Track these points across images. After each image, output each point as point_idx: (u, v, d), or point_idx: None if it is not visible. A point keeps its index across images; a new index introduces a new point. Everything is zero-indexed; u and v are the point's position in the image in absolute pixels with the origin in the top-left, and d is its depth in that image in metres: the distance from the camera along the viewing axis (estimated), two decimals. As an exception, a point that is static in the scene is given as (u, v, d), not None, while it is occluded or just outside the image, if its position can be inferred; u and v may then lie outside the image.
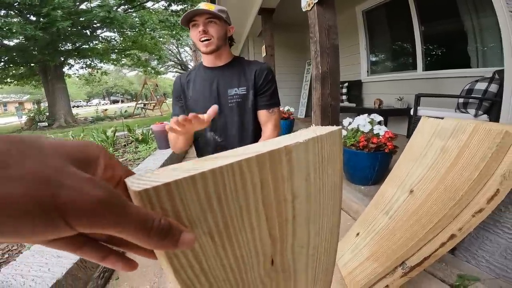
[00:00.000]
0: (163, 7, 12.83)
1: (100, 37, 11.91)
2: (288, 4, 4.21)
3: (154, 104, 15.01)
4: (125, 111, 15.03)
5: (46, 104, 12.17)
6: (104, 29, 11.46)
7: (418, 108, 2.72)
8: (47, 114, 11.55)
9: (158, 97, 15.65)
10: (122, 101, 51.21)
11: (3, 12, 9.10)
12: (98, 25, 10.63)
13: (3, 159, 0.15)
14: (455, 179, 0.90)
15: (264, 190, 0.26)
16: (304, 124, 5.34)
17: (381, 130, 1.97)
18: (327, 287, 0.43)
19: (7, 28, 7.93)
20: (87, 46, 11.48)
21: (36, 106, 12.55)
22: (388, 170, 1.61)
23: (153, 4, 13.09)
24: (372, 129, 2.02)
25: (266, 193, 0.26)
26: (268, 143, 0.27)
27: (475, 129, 0.85)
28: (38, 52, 9.87)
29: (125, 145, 4.61)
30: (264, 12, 4.54)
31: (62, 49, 10.86)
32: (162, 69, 25.69)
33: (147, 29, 11.57)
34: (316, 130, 0.31)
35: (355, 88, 4.81)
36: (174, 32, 13.30)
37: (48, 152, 0.17)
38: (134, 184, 0.19)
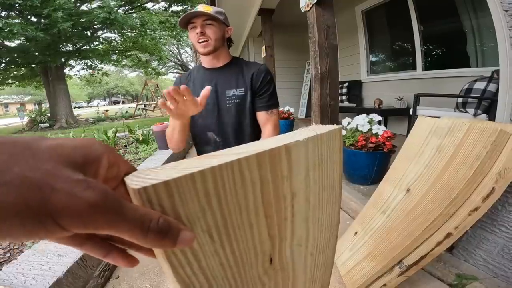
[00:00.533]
0: (163, 8, 12.85)
1: (100, 38, 11.93)
2: (288, 4, 4.22)
3: (154, 105, 15.04)
4: (126, 112, 15.07)
5: (48, 105, 12.21)
6: (105, 30, 11.48)
7: (418, 107, 2.72)
8: (49, 115, 11.58)
9: (158, 98, 15.65)
10: (123, 102, 51.28)
11: (4, 13, 9.14)
12: (98, 26, 10.65)
13: None
14: (450, 177, 0.90)
15: (264, 189, 0.25)
16: (305, 124, 5.35)
17: (379, 129, 1.98)
18: (325, 286, 0.43)
19: (8, 29, 7.94)
20: (88, 47, 11.51)
21: (37, 107, 12.58)
22: (387, 169, 1.62)
23: (154, 5, 13.10)
24: (371, 129, 2.02)
25: (266, 191, 0.26)
26: (268, 141, 0.27)
27: (470, 128, 0.86)
28: (39, 53, 9.90)
29: (126, 146, 4.63)
30: (263, 12, 4.55)
31: (63, 50, 10.89)
32: (162, 70, 25.75)
33: (148, 30, 11.59)
34: (316, 129, 0.31)
35: (355, 88, 4.81)
36: (174, 33, 13.33)
37: (42, 155, 0.16)
38: (133, 182, 0.19)
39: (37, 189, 0.15)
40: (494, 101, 2.18)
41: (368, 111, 2.22)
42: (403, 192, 1.09)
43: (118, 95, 53.17)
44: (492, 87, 2.29)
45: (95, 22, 9.77)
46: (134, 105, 19.14)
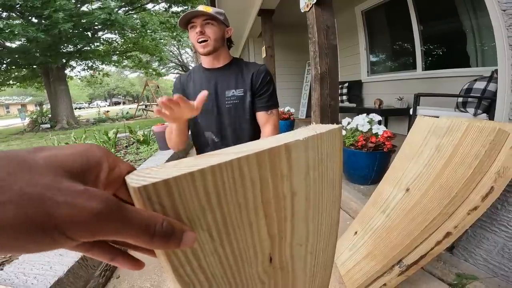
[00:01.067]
0: (164, 9, 12.88)
1: (101, 39, 11.96)
2: (288, 5, 4.22)
3: (155, 106, 15.04)
4: (127, 112, 15.11)
5: (49, 106, 12.24)
6: (105, 31, 11.51)
7: (418, 107, 2.72)
8: (50, 116, 11.60)
9: (159, 98, 15.67)
10: (124, 103, 51.38)
11: (5, 14, 9.17)
12: (99, 27, 10.68)
13: None
14: (449, 177, 0.91)
15: (263, 188, 0.25)
16: (305, 124, 5.34)
17: (379, 129, 1.98)
18: (325, 285, 0.42)
19: (9, 30, 7.97)
20: (88, 48, 11.53)
21: (38, 108, 12.61)
22: (387, 169, 1.62)
23: (154, 6, 13.13)
24: (371, 129, 2.03)
25: (265, 190, 0.26)
26: (268, 140, 0.27)
27: (468, 127, 0.86)
28: (40, 54, 9.92)
29: (126, 146, 4.64)
30: (263, 13, 4.55)
31: (64, 51, 10.91)
32: (163, 70, 25.81)
33: (148, 31, 11.62)
34: (316, 128, 0.31)
35: (356, 88, 4.81)
36: (174, 34, 13.36)
37: (39, 169, 0.16)
38: (133, 180, 0.19)
39: (38, 204, 0.15)
40: (494, 100, 2.18)
41: (369, 111, 2.23)
42: (402, 192, 1.09)
43: (119, 96, 53.29)
44: (492, 86, 2.29)
45: (96, 23, 9.80)
46: (135, 105, 19.17)
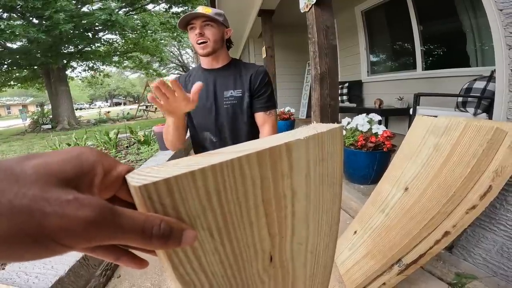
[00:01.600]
0: (164, 9, 12.89)
1: (102, 40, 11.99)
2: (288, 5, 4.23)
3: (156, 107, 15.06)
4: (128, 113, 15.15)
5: (50, 107, 12.27)
6: (106, 32, 11.53)
7: (418, 107, 2.73)
8: (51, 116, 11.62)
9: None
10: (124, 104, 51.46)
11: (6, 15, 9.19)
12: (100, 27, 10.70)
13: None
14: (447, 176, 0.91)
15: (264, 187, 0.25)
16: (305, 124, 5.33)
17: (379, 129, 1.99)
18: (325, 284, 0.42)
19: (10, 30, 7.99)
20: (89, 49, 11.56)
21: (39, 109, 12.62)
22: (386, 169, 1.63)
23: (154, 7, 13.16)
24: (370, 129, 2.03)
25: (266, 189, 0.26)
26: (269, 139, 0.27)
27: (466, 127, 0.86)
28: (41, 55, 9.95)
29: (127, 147, 4.65)
30: (263, 13, 4.56)
31: (65, 51, 10.94)
32: (164, 71, 25.86)
33: (149, 31, 11.64)
34: (317, 127, 0.31)
35: (356, 88, 4.81)
36: (175, 34, 13.38)
37: (28, 179, 0.16)
38: (134, 179, 0.19)
39: (28, 216, 0.15)
40: (494, 100, 2.18)
41: (369, 111, 2.23)
42: (401, 191, 1.10)
43: (120, 97, 53.38)
44: (491, 86, 2.29)
45: (96, 24, 9.83)
46: (135, 106, 19.19)
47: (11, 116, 39.25)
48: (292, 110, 4.95)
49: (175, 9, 12.60)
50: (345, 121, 2.25)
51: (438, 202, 0.94)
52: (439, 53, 3.60)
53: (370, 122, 2.07)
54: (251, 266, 0.28)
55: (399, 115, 3.76)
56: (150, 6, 12.60)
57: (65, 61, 11.05)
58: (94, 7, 10.29)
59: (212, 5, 4.74)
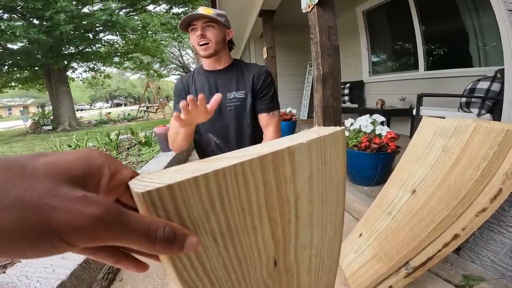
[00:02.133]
0: (165, 10, 12.92)
1: (102, 40, 12.01)
2: (289, 5, 4.22)
3: (156, 107, 15.11)
4: (128, 114, 15.17)
5: (51, 108, 12.29)
6: (107, 32, 11.56)
7: (421, 108, 2.71)
8: (51, 117, 11.65)
9: (160, 100, 15.78)
10: (125, 104, 51.61)
11: (6, 15, 9.21)
12: (100, 28, 10.73)
13: None
14: (457, 178, 0.89)
15: (267, 191, 0.25)
16: (307, 125, 5.34)
17: (383, 130, 1.97)
18: None
19: (10, 31, 8.02)
20: (90, 50, 11.59)
21: (40, 110, 12.64)
22: (391, 170, 1.61)
23: (155, 7, 13.18)
24: (374, 130, 2.02)
25: (269, 194, 0.26)
26: (271, 144, 0.27)
27: (476, 128, 0.85)
28: (41, 56, 9.98)
29: (128, 148, 4.64)
30: (264, 14, 4.55)
31: (66, 52, 10.96)
32: (164, 72, 25.85)
33: (149, 32, 11.65)
34: (319, 131, 0.31)
35: (357, 88, 4.80)
36: (175, 35, 13.41)
37: (38, 175, 0.16)
38: (137, 186, 0.19)
39: (36, 210, 0.15)
40: (498, 100, 2.17)
41: (371, 112, 2.22)
42: (408, 194, 1.08)
43: (120, 98, 53.52)
44: (495, 86, 2.28)
45: (97, 25, 9.85)
46: (136, 107, 19.24)
47: (12, 117, 39.38)
48: (294, 111, 4.93)
49: (175, 9, 12.64)
50: (348, 122, 2.23)
51: (447, 205, 0.93)
52: (442, 53, 3.58)
53: (374, 123, 2.05)
54: (255, 271, 0.28)
55: (401, 115, 3.75)
56: (150, 7, 12.64)
57: (65, 62, 11.07)
58: (94, 8, 10.31)
59: (213, 5, 4.74)
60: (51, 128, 10.98)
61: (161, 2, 12.01)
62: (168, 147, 3.82)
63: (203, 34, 1.05)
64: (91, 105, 53.18)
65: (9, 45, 10.02)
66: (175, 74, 33.92)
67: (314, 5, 2.02)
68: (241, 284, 0.27)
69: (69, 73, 12.81)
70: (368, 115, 2.11)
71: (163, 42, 14.47)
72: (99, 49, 12.07)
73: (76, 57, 11.33)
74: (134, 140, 4.90)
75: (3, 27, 7.85)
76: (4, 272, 1.21)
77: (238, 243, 0.25)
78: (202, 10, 1.04)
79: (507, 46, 0.99)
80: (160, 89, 16.47)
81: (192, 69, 1.34)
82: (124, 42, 12.38)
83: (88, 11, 10.22)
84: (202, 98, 0.71)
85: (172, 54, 29.36)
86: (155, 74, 15.48)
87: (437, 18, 3.40)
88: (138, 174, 0.23)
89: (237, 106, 1.14)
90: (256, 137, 1.20)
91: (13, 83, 12.59)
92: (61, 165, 0.18)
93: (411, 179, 1.08)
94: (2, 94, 14.01)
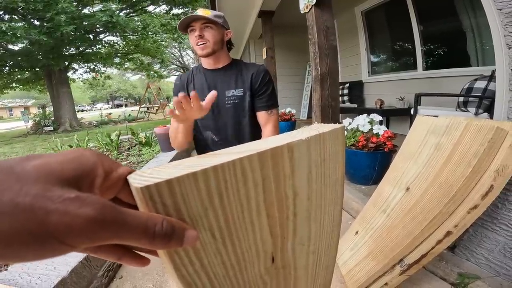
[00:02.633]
0: (165, 11, 12.94)
1: (103, 41, 12.04)
2: (288, 6, 4.23)
3: (157, 108, 15.13)
4: (129, 115, 15.18)
5: (51, 109, 12.32)
6: (107, 33, 11.59)
7: (419, 107, 2.72)
8: (52, 118, 11.67)
9: (161, 100, 15.80)
10: (126, 105, 51.62)
11: (7, 16, 9.24)
12: (101, 29, 10.76)
13: None
14: (449, 175, 0.91)
15: (266, 188, 0.25)
16: (306, 125, 5.33)
17: (380, 129, 1.99)
18: (327, 285, 0.42)
19: (11, 32, 8.03)
20: (90, 50, 11.63)
21: (41, 111, 12.65)
22: (388, 169, 1.63)
23: (155, 8, 13.22)
24: (371, 129, 2.03)
25: (268, 190, 0.26)
26: (270, 140, 0.27)
27: (467, 126, 0.87)
28: (42, 57, 10.00)
29: (129, 148, 4.66)
30: (263, 14, 4.56)
31: (66, 53, 10.99)
32: (164, 72, 25.90)
33: (149, 33, 11.67)
34: (319, 128, 0.31)
35: (356, 88, 4.81)
36: (176, 36, 13.44)
37: (29, 178, 0.16)
38: (136, 180, 0.20)
39: (31, 214, 0.15)
40: (495, 100, 2.17)
41: (370, 112, 2.23)
42: (402, 191, 1.10)
43: (121, 98, 53.55)
44: (492, 86, 2.29)
45: (97, 25, 9.86)
46: (136, 108, 19.26)
47: (13, 118, 39.42)
48: (293, 111, 4.95)
49: (175, 10, 12.65)
50: (346, 121, 2.25)
51: (439, 202, 0.94)
52: (440, 53, 3.59)
53: (371, 122, 2.07)
54: (253, 267, 0.28)
55: (400, 115, 3.76)
56: (150, 8, 12.67)
57: (66, 63, 11.11)
58: (95, 9, 10.34)
59: (212, 6, 4.76)
60: (52, 129, 11.00)
61: (161, 3, 12.04)
62: (168, 147, 3.84)
63: (201, 35, 1.07)
64: (91, 106, 53.28)
65: (10, 46, 10.05)
66: (175, 75, 33.92)
67: (312, 5, 2.04)
68: (238, 280, 0.27)
69: (69, 74, 12.85)
70: (366, 114, 2.12)
71: (163, 43, 14.49)
72: (100, 50, 12.10)
73: (77, 58, 11.36)
74: (134, 141, 4.93)
75: (4, 28, 7.87)
76: (5, 269, 1.23)
77: (236, 239, 0.25)
78: (201, 11, 1.07)
79: (498, 45, 1.00)
80: (160, 90, 16.50)
81: (192, 67, 1.36)
82: (124, 43, 12.41)
83: (89, 12, 10.25)
84: (194, 96, 0.73)
85: (172, 55, 29.38)
86: (156, 75, 15.50)
87: (435, 18, 3.41)
88: (133, 171, 0.23)
89: (236, 104, 1.15)
90: (255, 135, 1.22)
91: (14, 84, 12.62)
92: (53, 167, 0.17)
93: (405, 177, 1.10)
94: (3, 95, 14.07)
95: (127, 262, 0.25)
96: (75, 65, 12.66)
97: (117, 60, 13.13)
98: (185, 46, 25.81)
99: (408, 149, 1.14)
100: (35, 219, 0.15)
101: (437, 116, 1.07)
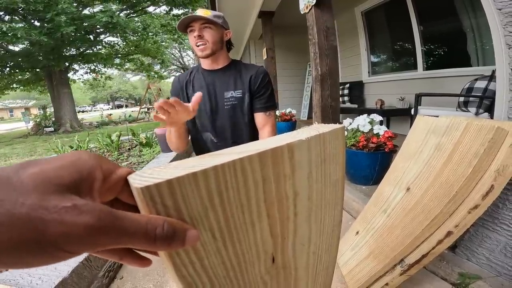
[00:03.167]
0: (165, 12, 12.96)
1: (103, 42, 12.06)
2: (288, 6, 4.24)
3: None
4: (129, 115, 15.18)
5: (52, 110, 12.34)
6: (107, 34, 11.60)
7: (419, 107, 2.72)
8: (53, 119, 11.69)
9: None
10: (126, 106, 51.68)
11: (7, 17, 9.26)
12: (101, 30, 10.77)
13: None
14: (449, 175, 0.91)
15: (266, 188, 0.25)
16: (307, 125, 5.33)
17: (380, 129, 1.99)
18: (328, 285, 0.42)
19: (12, 33, 8.04)
20: (91, 51, 11.64)
21: (42, 112, 12.67)
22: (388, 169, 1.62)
23: (155, 9, 13.24)
24: (372, 129, 2.03)
25: (268, 190, 0.26)
26: (270, 140, 0.27)
27: (467, 126, 0.87)
28: (43, 57, 10.02)
29: (129, 149, 4.66)
30: (264, 15, 4.57)
31: (67, 54, 11.01)
32: (165, 73, 25.92)
33: (150, 34, 11.68)
34: (319, 128, 0.31)
35: (357, 89, 4.81)
36: (176, 36, 13.45)
37: (25, 187, 0.16)
38: (136, 181, 0.19)
39: (28, 224, 0.15)
40: (495, 99, 2.17)
41: (370, 112, 2.22)
42: (403, 191, 1.10)
43: (121, 99, 53.61)
44: (493, 85, 2.28)
45: (98, 26, 9.87)
46: (137, 108, 19.29)
47: (13, 119, 39.49)
48: (293, 111, 4.95)
49: (175, 11, 12.66)
50: (346, 122, 2.24)
51: (440, 202, 0.94)
52: (440, 53, 3.59)
53: (372, 122, 2.07)
54: (253, 267, 0.28)
55: (401, 115, 3.76)
56: (151, 9, 12.69)
57: (67, 64, 11.12)
58: (95, 10, 10.35)
59: (213, 7, 4.76)
60: (53, 129, 11.01)
61: (161, 4, 12.05)
62: (168, 148, 3.85)
63: (200, 35, 1.07)
64: (92, 107, 53.35)
65: (11, 47, 10.07)
66: (175, 75, 33.93)
67: (312, 6, 2.04)
68: (239, 281, 0.27)
69: (70, 74, 12.87)
70: (366, 114, 2.12)
71: (163, 43, 14.51)
72: (100, 51, 12.11)
73: (77, 58, 11.38)
74: (135, 141, 4.93)
75: (4, 29, 7.89)
76: (6, 270, 1.23)
77: (237, 240, 0.25)
78: (200, 12, 1.07)
79: (498, 45, 1.00)
80: (161, 90, 16.49)
81: (190, 68, 1.36)
82: (124, 43, 12.42)
83: (89, 13, 10.26)
84: (175, 102, 0.74)
85: (172, 56, 29.40)
86: (156, 76, 15.51)
87: (435, 18, 3.42)
88: (133, 171, 0.23)
89: (235, 105, 1.15)
90: (254, 136, 1.22)
91: (14, 85, 12.64)
92: (49, 174, 0.17)
93: (405, 176, 1.10)
94: (3, 96, 14.08)
95: (129, 263, 0.25)
96: (75, 66, 12.68)
97: (117, 60, 13.15)
98: (185, 47, 25.83)
99: (408, 149, 1.14)
100: (33, 230, 0.15)
101: (437, 116, 1.07)
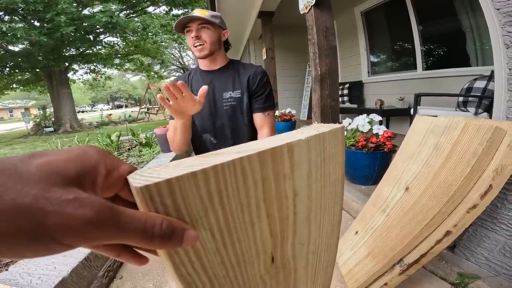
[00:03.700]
0: (164, 12, 12.96)
1: (103, 42, 12.05)
2: (287, 6, 4.24)
3: (157, 109, 15.15)
4: (129, 115, 15.18)
5: (52, 110, 12.34)
6: (107, 34, 11.60)
7: (419, 107, 2.73)
8: (53, 119, 11.69)
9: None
10: (126, 106, 51.68)
11: (7, 17, 9.25)
12: (101, 30, 10.76)
13: None
14: (448, 175, 0.91)
15: (265, 187, 0.25)
16: (306, 125, 5.33)
17: (380, 129, 1.99)
18: (327, 285, 0.42)
19: (11, 33, 8.04)
20: (90, 51, 11.64)
21: (41, 112, 12.68)
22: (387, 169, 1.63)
23: (155, 9, 13.23)
24: (371, 129, 2.03)
25: (267, 190, 0.26)
26: (270, 140, 0.27)
27: (466, 126, 0.87)
28: (42, 58, 10.01)
29: (129, 149, 4.67)
30: (263, 15, 4.57)
31: (66, 54, 11.00)
32: (165, 73, 25.91)
33: (149, 34, 11.67)
34: (318, 128, 0.31)
35: (356, 89, 4.81)
36: (175, 36, 13.45)
37: (31, 178, 0.16)
38: (136, 180, 0.19)
39: (29, 214, 0.15)
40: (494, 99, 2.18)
41: (370, 112, 2.23)
42: (402, 191, 1.10)
43: (121, 99, 53.60)
44: (492, 85, 2.29)
45: (97, 26, 9.86)
46: (137, 109, 19.29)
47: (13, 119, 39.48)
48: (293, 111, 4.95)
49: (175, 11, 12.66)
50: (346, 121, 2.25)
51: (438, 201, 0.94)
52: (439, 53, 3.59)
53: (371, 122, 2.07)
54: (252, 267, 0.28)
55: (400, 115, 3.76)
56: (150, 9, 12.68)
57: (66, 64, 11.12)
58: (94, 10, 10.35)
59: (212, 7, 4.76)
60: (53, 129, 11.01)
61: (160, 4, 12.05)
62: (168, 148, 3.85)
63: (198, 36, 1.07)
64: (92, 107, 53.34)
65: (10, 47, 10.07)
66: (175, 76, 33.94)
67: (311, 6, 2.04)
68: (238, 280, 0.27)
69: (70, 74, 12.87)
70: (366, 114, 2.12)
71: (163, 43, 14.51)
72: (100, 51, 12.11)
73: (77, 58, 11.38)
74: (135, 141, 4.94)
75: (4, 29, 7.88)
76: (6, 270, 1.23)
77: (236, 239, 0.25)
78: (197, 12, 1.07)
79: (496, 45, 1.00)
80: (160, 90, 16.49)
81: (190, 69, 1.36)
82: (124, 43, 12.42)
83: (89, 13, 10.26)
84: (182, 85, 0.75)
85: (172, 56, 29.40)
86: (156, 76, 15.51)
87: (434, 18, 3.42)
88: (136, 169, 0.23)
89: (233, 106, 1.15)
90: (253, 136, 1.22)
91: (14, 85, 12.63)
92: (55, 165, 0.17)
93: (404, 176, 1.10)
94: (3, 96, 14.07)
95: (126, 260, 0.25)
96: (75, 66, 12.67)
97: (117, 61, 13.15)
98: (185, 47, 25.82)
99: (407, 149, 1.15)
100: (33, 220, 0.15)
101: (436, 116, 1.07)
